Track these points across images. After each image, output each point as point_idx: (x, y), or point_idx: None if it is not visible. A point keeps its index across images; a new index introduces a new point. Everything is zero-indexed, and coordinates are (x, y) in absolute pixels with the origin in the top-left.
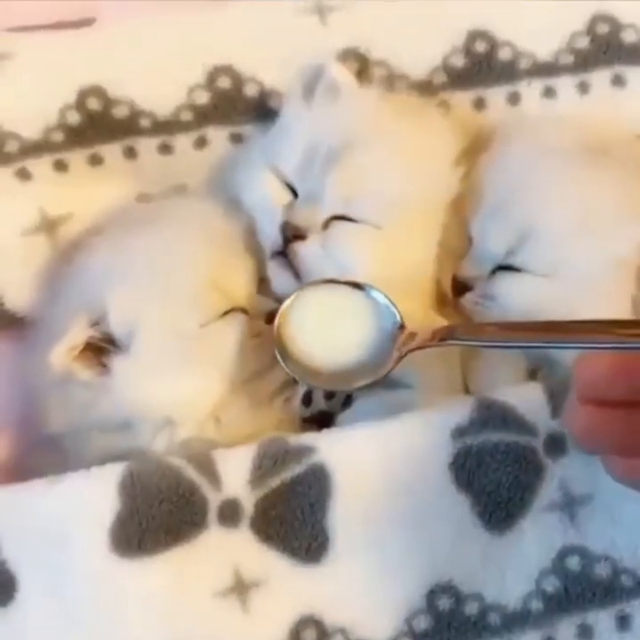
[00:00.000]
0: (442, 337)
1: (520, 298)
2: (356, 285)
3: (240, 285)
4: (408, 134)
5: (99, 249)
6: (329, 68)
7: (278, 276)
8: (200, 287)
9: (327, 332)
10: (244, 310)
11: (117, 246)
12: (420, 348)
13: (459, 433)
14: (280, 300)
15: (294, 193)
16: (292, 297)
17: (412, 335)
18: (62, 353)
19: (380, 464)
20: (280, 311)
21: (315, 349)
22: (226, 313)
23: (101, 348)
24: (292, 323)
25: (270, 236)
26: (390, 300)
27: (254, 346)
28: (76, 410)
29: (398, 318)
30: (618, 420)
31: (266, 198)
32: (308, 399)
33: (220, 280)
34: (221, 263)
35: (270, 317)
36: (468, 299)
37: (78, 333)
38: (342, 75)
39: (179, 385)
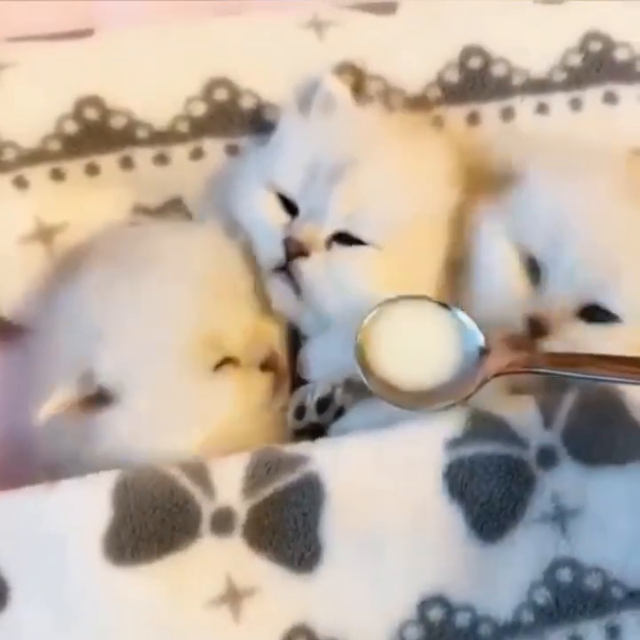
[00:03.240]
0: (529, 365)
1: None
2: (442, 305)
3: (232, 333)
4: (408, 152)
5: (88, 291)
6: (324, 81)
7: (279, 293)
8: (190, 343)
9: (411, 350)
10: (235, 360)
11: (108, 291)
12: (505, 373)
13: (452, 444)
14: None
15: (293, 210)
16: (374, 311)
17: (496, 360)
18: (49, 410)
19: (374, 474)
20: (362, 325)
21: (396, 367)
22: (218, 365)
23: (90, 400)
24: (374, 338)
25: (271, 252)
26: (475, 323)
27: (247, 398)
28: (66, 445)
29: (482, 342)
30: None
31: (265, 216)
32: (300, 412)
33: (211, 331)
34: (213, 313)
35: (265, 366)
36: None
37: (66, 390)
38: (337, 88)
39: (166, 442)
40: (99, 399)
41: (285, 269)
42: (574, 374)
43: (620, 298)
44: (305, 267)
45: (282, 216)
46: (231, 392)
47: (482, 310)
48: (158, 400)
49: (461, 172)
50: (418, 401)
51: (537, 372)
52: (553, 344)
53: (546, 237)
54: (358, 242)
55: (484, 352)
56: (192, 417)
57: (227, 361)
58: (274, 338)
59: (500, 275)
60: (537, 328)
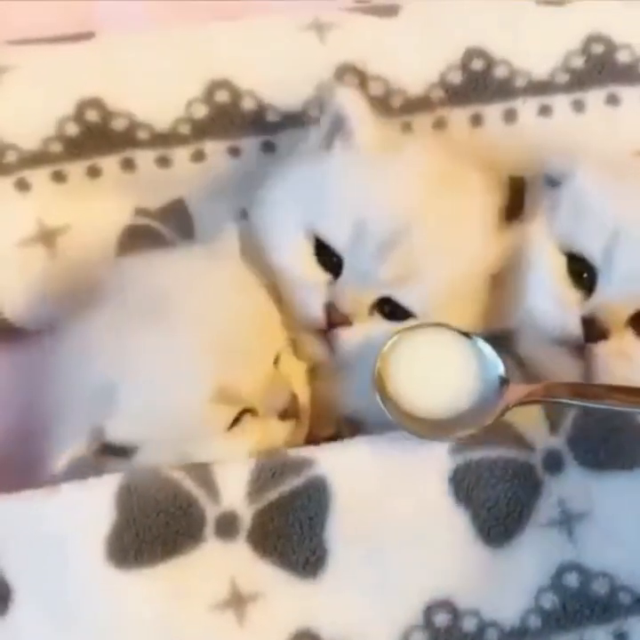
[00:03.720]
0: (548, 394)
1: None
2: (462, 333)
3: (249, 383)
4: (455, 210)
5: (100, 334)
6: (336, 97)
7: (316, 350)
8: (205, 402)
9: (430, 377)
10: (253, 410)
11: (120, 338)
12: (525, 403)
13: (458, 448)
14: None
15: (334, 263)
16: (394, 338)
17: (517, 389)
18: (64, 463)
19: (380, 477)
20: (381, 353)
21: (415, 394)
22: (235, 419)
23: (104, 451)
24: (393, 365)
25: (309, 311)
26: (496, 352)
27: (268, 446)
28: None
29: (502, 371)
30: None
31: (304, 270)
32: None
33: (227, 385)
34: (228, 366)
35: (284, 413)
36: (603, 350)
37: (77, 445)
38: (353, 106)
39: None
40: (112, 451)
41: (325, 333)
42: (593, 405)
43: None
44: (347, 337)
45: (321, 273)
46: (246, 447)
47: (529, 319)
48: (172, 458)
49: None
50: (436, 430)
51: (556, 402)
52: (609, 353)
53: (602, 239)
54: (401, 309)
55: (504, 381)
56: None
57: (244, 412)
58: (295, 379)
59: (549, 279)
60: (592, 331)
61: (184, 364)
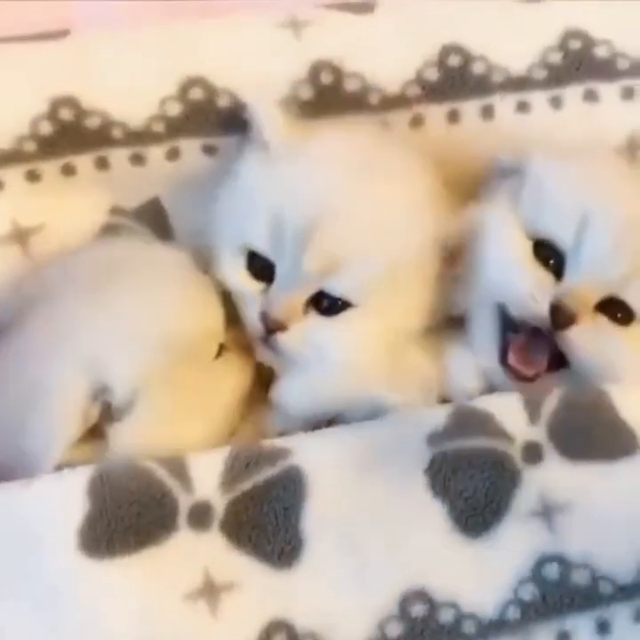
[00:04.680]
0: None
1: None
2: None
3: (219, 321)
4: (377, 194)
5: (77, 310)
6: (253, 109)
7: (268, 358)
8: (196, 336)
9: None
10: (225, 346)
11: (100, 307)
12: None
13: (435, 439)
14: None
15: (269, 270)
16: None
17: None
18: (58, 456)
19: (355, 468)
20: None
21: None
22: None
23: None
24: None
25: (252, 322)
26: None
27: (241, 381)
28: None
29: None
30: None
31: (240, 284)
32: None
33: (206, 322)
34: (203, 305)
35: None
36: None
37: (73, 429)
38: (266, 116)
39: (183, 435)
40: (107, 418)
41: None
42: None
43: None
44: (285, 340)
45: (254, 283)
46: (232, 376)
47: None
48: (171, 399)
49: (439, 181)
50: None
51: None
52: (577, 337)
53: (572, 223)
54: (336, 302)
55: None
56: (204, 404)
57: (221, 348)
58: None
59: (516, 265)
60: (559, 317)
61: (166, 307)
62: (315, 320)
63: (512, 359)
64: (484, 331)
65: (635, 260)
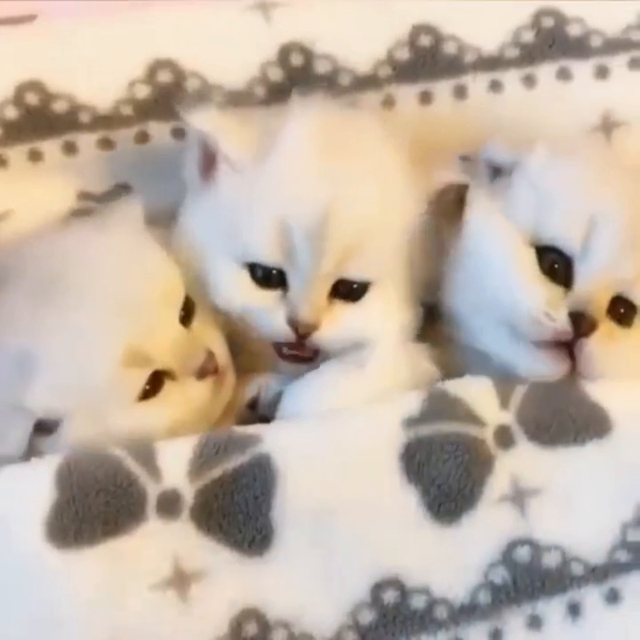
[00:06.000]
0: None
1: None
2: None
3: (156, 343)
4: (365, 167)
5: (12, 315)
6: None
7: (292, 368)
8: (115, 366)
9: None
10: (170, 372)
11: (31, 317)
12: None
13: (409, 423)
14: None
15: (279, 277)
16: None
17: None
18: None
19: (328, 455)
20: None
21: None
22: (150, 381)
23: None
24: None
25: (274, 333)
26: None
27: (186, 411)
28: None
29: None
30: None
31: (253, 300)
32: (253, 404)
33: (134, 347)
34: (132, 328)
35: (203, 372)
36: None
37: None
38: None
39: None
40: (37, 427)
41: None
42: None
43: None
44: (322, 339)
45: (267, 295)
46: (167, 412)
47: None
48: (94, 429)
49: (412, 152)
50: None
51: None
52: (598, 342)
53: (580, 226)
54: (354, 285)
55: None
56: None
57: (160, 375)
58: (210, 340)
59: (523, 286)
60: (581, 325)
61: (90, 333)
62: (343, 309)
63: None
64: (493, 341)
65: None
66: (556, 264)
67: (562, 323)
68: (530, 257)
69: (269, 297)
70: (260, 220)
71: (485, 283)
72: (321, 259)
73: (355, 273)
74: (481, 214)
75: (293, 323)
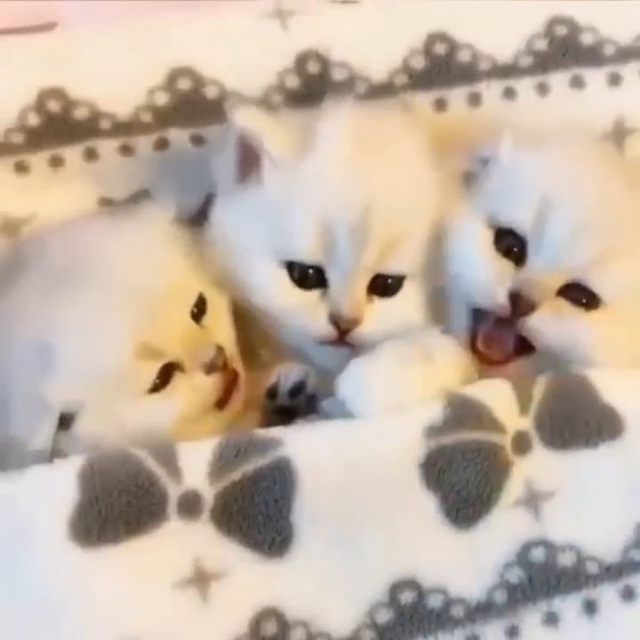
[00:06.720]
0: None
1: None
2: None
3: (168, 336)
4: (398, 162)
5: (28, 306)
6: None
7: (330, 363)
8: (128, 358)
9: None
10: (180, 365)
11: (47, 307)
12: None
13: (431, 432)
14: None
15: (318, 275)
16: None
17: None
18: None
19: (348, 460)
20: None
21: None
22: (161, 374)
23: None
24: None
25: (315, 331)
26: None
27: (192, 406)
28: None
29: None
30: None
31: (293, 299)
32: (272, 393)
33: (147, 340)
34: (145, 321)
35: (211, 367)
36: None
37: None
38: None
39: None
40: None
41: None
42: None
43: (605, 279)
44: (364, 335)
45: (308, 295)
46: (175, 404)
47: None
48: (105, 422)
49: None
50: None
51: None
52: (537, 322)
53: (533, 208)
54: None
55: None
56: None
57: (169, 368)
58: (221, 334)
59: (473, 254)
60: (518, 305)
61: (103, 325)
62: (382, 304)
63: (480, 344)
64: (458, 319)
65: (599, 245)
66: (514, 248)
67: (502, 299)
68: (486, 237)
69: (309, 297)
70: (302, 216)
71: (449, 264)
72: (362, 253)
73: (393, 267)
74: (455, 201)
75: (336, 319)
